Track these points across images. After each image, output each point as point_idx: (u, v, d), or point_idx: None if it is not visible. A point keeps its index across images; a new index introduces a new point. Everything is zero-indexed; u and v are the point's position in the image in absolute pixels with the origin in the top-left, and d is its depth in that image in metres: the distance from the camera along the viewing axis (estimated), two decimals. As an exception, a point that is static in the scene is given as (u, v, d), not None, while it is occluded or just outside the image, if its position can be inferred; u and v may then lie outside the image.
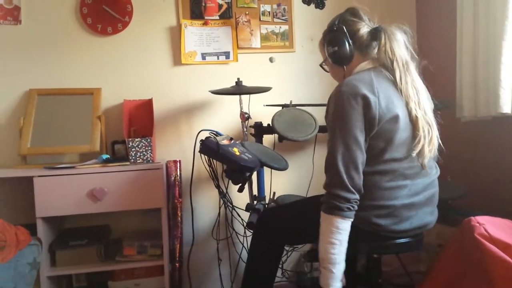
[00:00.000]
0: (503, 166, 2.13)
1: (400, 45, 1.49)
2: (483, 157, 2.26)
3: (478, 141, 2.29)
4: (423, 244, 1.58)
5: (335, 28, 1.56)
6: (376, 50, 1.53)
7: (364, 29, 1.54)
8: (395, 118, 1.40)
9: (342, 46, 1.53)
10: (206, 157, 2.02)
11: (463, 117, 2.22)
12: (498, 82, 1.94)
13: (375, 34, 1.52)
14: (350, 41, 1.53)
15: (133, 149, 2.15)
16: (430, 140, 1.44)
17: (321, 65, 1.72)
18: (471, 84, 2.14)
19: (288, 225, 1.66)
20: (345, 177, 1.35)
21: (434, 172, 1.55)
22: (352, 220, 1.37)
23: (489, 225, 1.45)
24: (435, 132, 1.47)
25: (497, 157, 2.17)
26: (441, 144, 1.51)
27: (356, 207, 1.37)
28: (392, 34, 1.49)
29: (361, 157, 1.38)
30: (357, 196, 1.37)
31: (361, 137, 1.38)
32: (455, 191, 2.14)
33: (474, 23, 2.10)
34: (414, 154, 1.42)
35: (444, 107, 2.05)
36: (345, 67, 1.57)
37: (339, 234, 1.35)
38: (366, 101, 1.37)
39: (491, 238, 1.41)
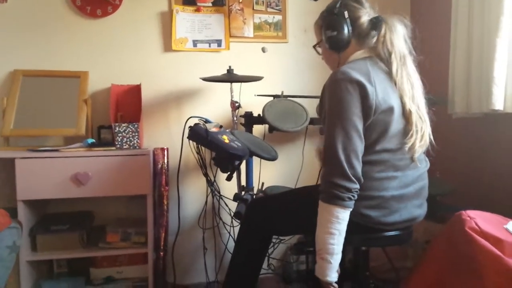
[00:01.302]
0: (493, 163, 2.13)
1: (400, 38, 1.46)
2: (473, 154, 2.25)
3: (469, 138, 2.28)
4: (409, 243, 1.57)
5: (335, 12, 1.50)
6: (374, 40, 1.50)
7: (365, 17, 1.50)
8: (390, 110, 1.38)
9: (341, 32, 1.49)
10: (194, 144, 1.99)
11: (455, 114, 2.22)
12: (491, 78, 1.92)
13: (375, 24, 1.48)
14: (350, 28, 1.49)
15: (119, 134, 2.10)
16: (422, 136, 1.43)
17: (314, 47, 1.67)
18: (464, 81, 2.13)
19: (277, 215, 1.63)
20: (346, 166, 1.32)
21: (424, 165, 1.54)
22: (351, 209, 1.34)
23: (479, 219, 1.44)
24: (428, 129, 1.46)
25: (487, 154, 2.17)
26: (433, 141, 1.49)
27: (356, 197, 1.34)
28: (393, 26, 1.46)
29: (360, 145, 1.35)
30: (358, 186, 1.34)
31: (360, 125, 1.35)
32: (444, 187, 2.13)
33: (468, 18, 2.09)
34: (406, 148, 1.40)
35: (436, 103, 2.04)
36: (340, 53, 1.53)
37: (338, 224, 1.33)
38: (363, 89, 1.35)
39: (481, 232, 1.40)
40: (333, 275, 1.36)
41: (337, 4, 1.51)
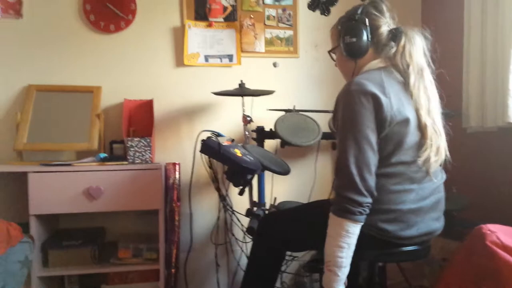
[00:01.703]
0: (509, 177, 2.09)
1: (419, 50, 1.44)
2: (489, 169, 2.22)
3: (484, 152, 2.25)
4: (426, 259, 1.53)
5: (356, 18, 1.48)
6: (393, 51, 1.47)
7: (385, 27, 1.48)
8: (406, 121, 1.36)
9: (361, 39, 1.46)
10: (206, 158, 1.98)
11: (469, 127, 2.19)
12: (507, 91, 1.91)
13: (395, 34, 1.47)
14: (370, 36, 1.47)
15: (131, 149, 2.10)
16: (437, 150, 1.40)
17: (329, 52, 1.64)
18: (478, 94, 2.11)
19: (291, 230, 1.60)
20: (357, 179, 1.30)
21: (440, 177, 1.50)
22: (362, 223, 1.32)
23: (501, 233, 1.40)
24: (443, 143, 1.43)
25: (504, 168, 2.13)
26: (448, 156, 1.46)
27: (367, 211, 1.32)
28: (413, 38, 1.44)
29: (373, 158, 1.33)
30: (369, 200, 1.31)
31: (373, 138, 1.33)
32: (460, 202, 2.09)
33: (482, 30, 2.09)
34: (420, 161, 1.38)
35: (450, 117, 2.02)
36: (356, 61, 1.51)
37: (348, 237, 1.31)
38: (377, 101, 1.33)
39: (503, 246, 1.36)
40: (339, 287, 1.34)
41: (358, 10, 1.50)
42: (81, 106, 2.29)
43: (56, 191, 1.94)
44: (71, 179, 1.96)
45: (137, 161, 2.11)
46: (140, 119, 2.32)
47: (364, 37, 1.46)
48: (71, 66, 2.35)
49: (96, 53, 2.38)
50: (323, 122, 2.32)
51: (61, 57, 2.34)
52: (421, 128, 1.39)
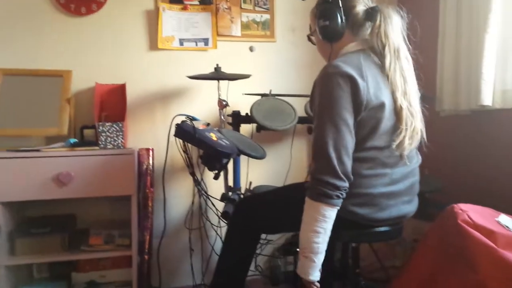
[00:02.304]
0: (482, 160, 2.12)
1: (395, 29, 1.41)
2: (462, 151, 2.24)
3: (457, 135, 2.27)
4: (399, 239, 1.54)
5: (330, 0, 1.46)
6: (369, 31, 1.45)
7: (360, 6, 1.46)
8: (382, 106, 1.34)
9: (334, 21, 1.44)
10: (181, 142, 1.94)
11: (443, 111, 2.21)
12: (480, 74, 1.92)
13: (371, 14, 1.44)
14: (344, 17, 1.44)
15: (103, 134, 2.05)
16: (412, 133, 1.39)
17: (308, 37, 1.63)
18: (452, 77, 2.13)
19: (266, 213, 1.59)
20: (336, 163, 1.28)
21: (415, 160, 1.50)
22: (338, 207, 1.30)
23: (472, 212, 1.42)
24: (419, 125, 1.42)
25: (476, 151, 2.16)
26: (425, 138, 1.46)
27: (344, 195, 1.30)
28: (389, 17, 1.41)
29: (351, 142, 1.31)
30: (347, 184, 1.30)
31: (350, 120, 1.31)
32: (433, 184, 2.11)
33: (457, 14, 2.09)
34: (394, 145, 1.36)
35: (423, 101, 2.02)
36: (333, 44, 1.49)
37: (324, 222, 1.29)
38: (354, 84, 1.31)
39: (474, 225, 1.38)
40: (315, 274, 1.32)
41: None
42: (51, 91, 2.20)
43: (24, 177, 1.87)
44: (40, 165, 1.90)
45: (109, 146, 2.06)
46: (113, 104, 2.26)
47: (338, 20, 1.44)
48: (40, 49, 2.26)
49: (66, 36, 2.30)
50: (299, 106, 2.31)
51: (30, 40, 2.25)
52: (397, 111, 1.37)
